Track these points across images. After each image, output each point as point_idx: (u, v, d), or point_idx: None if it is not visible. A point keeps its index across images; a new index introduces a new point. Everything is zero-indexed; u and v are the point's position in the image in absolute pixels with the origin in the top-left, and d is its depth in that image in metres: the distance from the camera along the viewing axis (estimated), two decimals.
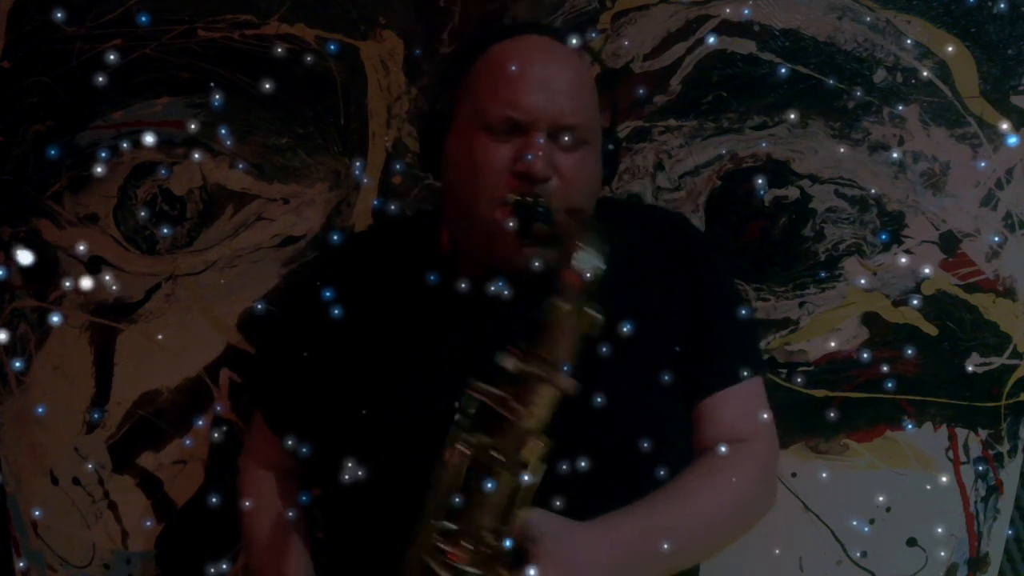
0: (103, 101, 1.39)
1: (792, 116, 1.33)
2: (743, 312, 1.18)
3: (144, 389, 1.46)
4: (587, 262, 0.94)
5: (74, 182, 1.42)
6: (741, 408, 1.12)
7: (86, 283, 1.40)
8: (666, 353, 1.10)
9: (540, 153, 1.02)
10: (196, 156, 1.38)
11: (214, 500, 1.40)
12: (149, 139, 1.35)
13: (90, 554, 1.51)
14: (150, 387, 1.46)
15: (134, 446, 1.47)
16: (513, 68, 1.05)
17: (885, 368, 1.37)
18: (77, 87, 1.38)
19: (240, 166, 1.39)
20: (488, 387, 0.94)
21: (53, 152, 1.38)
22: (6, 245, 1.45)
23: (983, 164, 1.33)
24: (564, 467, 1.00)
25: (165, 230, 1.41)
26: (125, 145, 1.39)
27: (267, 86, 1.29)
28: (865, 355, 1.36)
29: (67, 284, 1.41)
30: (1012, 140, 1.32)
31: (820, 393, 1.38)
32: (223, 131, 1.36)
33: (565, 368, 0.93)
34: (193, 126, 1.36)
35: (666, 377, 1.08)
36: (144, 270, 1.43)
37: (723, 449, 1.08)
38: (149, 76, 1.37)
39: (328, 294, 1.13)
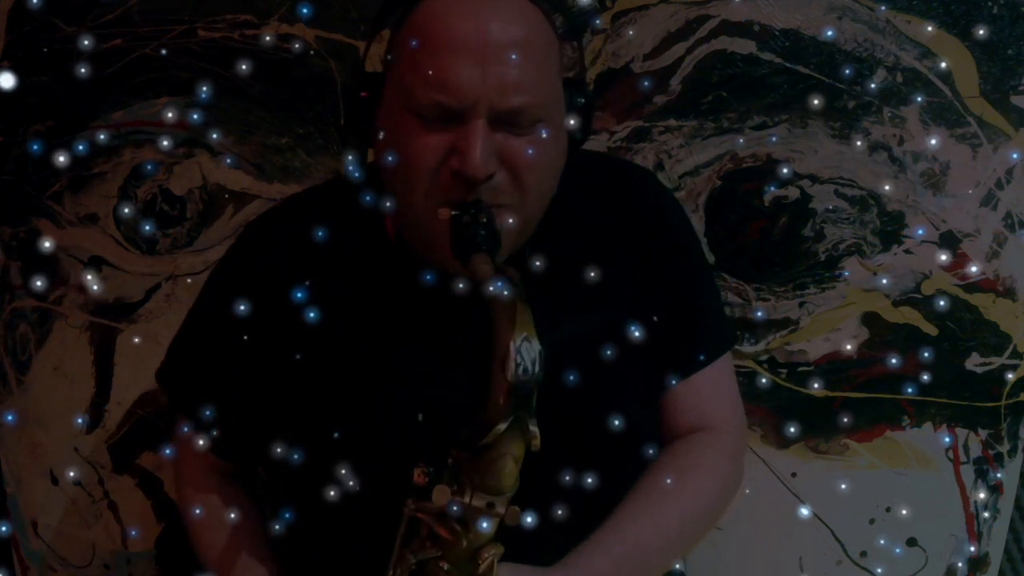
0: (103, 101, 1.39)
1: (816, 101, 1.30)
2: (713, 285, 1.12)
3: (144, 389, 1.46)
4: (527, 357, 0.78)
5: (74, 182, 1.42)
6: (711, 392, 1.06)
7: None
8: (628, 319, 0.98)
9: (478, 150, 0.85)
10: (165, 143, 1.35)
11: (198, 511, 1.37)
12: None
13: (90, 554, 1.51)
14: (150, 387, 1.46)
15: (134, 446, 1.47)
16: (441, 36, 0.86)
17: (893, 366, 1.36)
18: (77, 87, 1.38)
19: (228, 160, 1.38)
20: (425, 505, 0.83)
21: (35, 148, 1.36)
22: (6, 245, 1.45)
23: (1015, 155, 1.31)
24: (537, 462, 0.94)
25: (147, 227, 1.40)
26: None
27: (243, 67, 1.28)
28: (894, 360, 1.34)
29: (39, 284, 1.39)
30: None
31: (820, 393, 1.38)
32: (195, 116, 1.34)
33: (507, 492, 0.82)
34: (170, 114, 1.34)
35: (631, 348, 0.98)
36: (144, 270, 1.43)
37: (689, 443, 1.03)
38: (149, 76, 1.37)
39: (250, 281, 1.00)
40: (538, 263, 0.92)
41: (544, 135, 0.89)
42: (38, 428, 1.48)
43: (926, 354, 1.35)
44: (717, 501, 1.06)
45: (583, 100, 0.96)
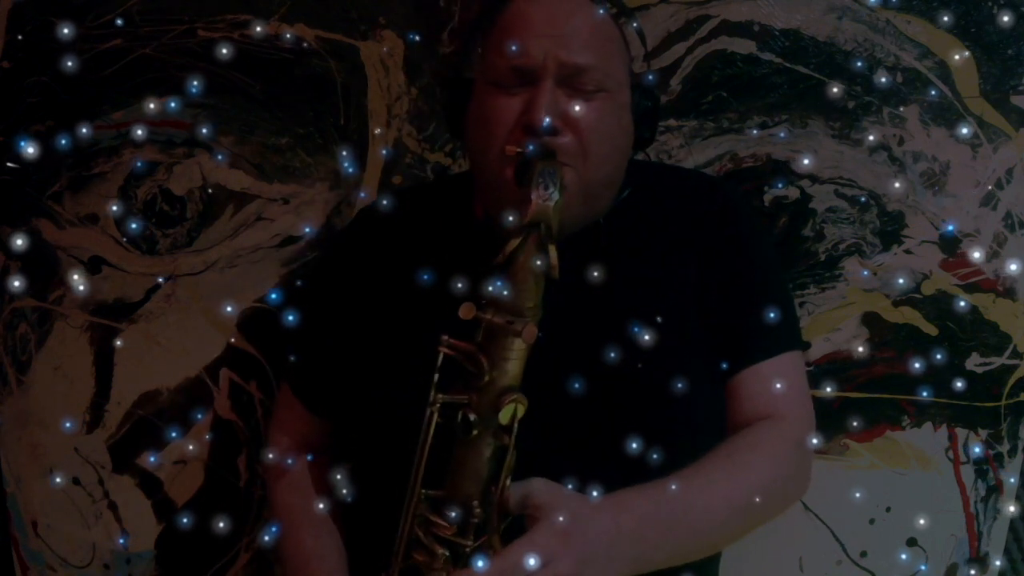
0: (103, 101, 1.39)
1: (835, 89, 1.30)
2: (781, 286, 1.13)
3: (144, 389, 1.46)
4: (547, 192, 0.88)
5: (74, 182, 1.42)
6: (775, 383, 1.06)
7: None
8: (697, 323, 1.05)
9: (545, 99, 0.96)
10: (139, 132, 1.35)
11: (185, 521, 1.41)
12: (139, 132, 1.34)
13: (90, 554, 1.51)
14: (150, 387, 1.46)
15: (134, 446, 1.47)
16: (518, 17, 1.01)
17: (895, 366, 1.36)
18: (77, 87, 1.38)
19: (219, 157, 1.38)
20: (457, 342, 0.88)
21: (22, 145, 1.34)
22: (6, 245, 1.45)
23: None
24: (589, 440, 0.98)
25: (133, 225, 1.40)
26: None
27: (224, 51, 1.29)
28: (916, 364, 1.33)
29: (16, 284, 1.39)
30: None
31: (820, 393, 1.38)
32: (172, 104, 1.34)
33: (528, 314, 0.87)
34: (152, 105, 1.34)
35: (697, 349, 1.04)
36: (144, 270, 1.43)
37: (751, 428, 1.03)
38: (149, 76, 1.37)
39: (352, 267, 1.12)
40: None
41: (607, 104, 1.00)
42: (38, 428, 1.48)
43: (938, 356, 1.35)
44: (773, 483, 1.04)
45: (650, 103, 1.07)
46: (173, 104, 1.33)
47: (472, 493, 0.89)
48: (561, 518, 0.87)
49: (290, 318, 1.19)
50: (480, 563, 0.85)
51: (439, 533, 0.89)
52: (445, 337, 0.89)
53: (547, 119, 0.96)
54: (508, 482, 0.88)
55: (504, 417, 0.87)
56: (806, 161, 1.32)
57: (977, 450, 1.39)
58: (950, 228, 1.34)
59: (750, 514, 1.02)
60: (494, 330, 0.87)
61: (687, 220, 1.10)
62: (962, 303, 1.34)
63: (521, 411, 0.87)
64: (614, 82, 1.02)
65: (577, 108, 0.99)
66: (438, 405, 0.89)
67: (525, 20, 1.01)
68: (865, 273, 1.36)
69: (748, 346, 1.07)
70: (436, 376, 0.89)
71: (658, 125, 1.11)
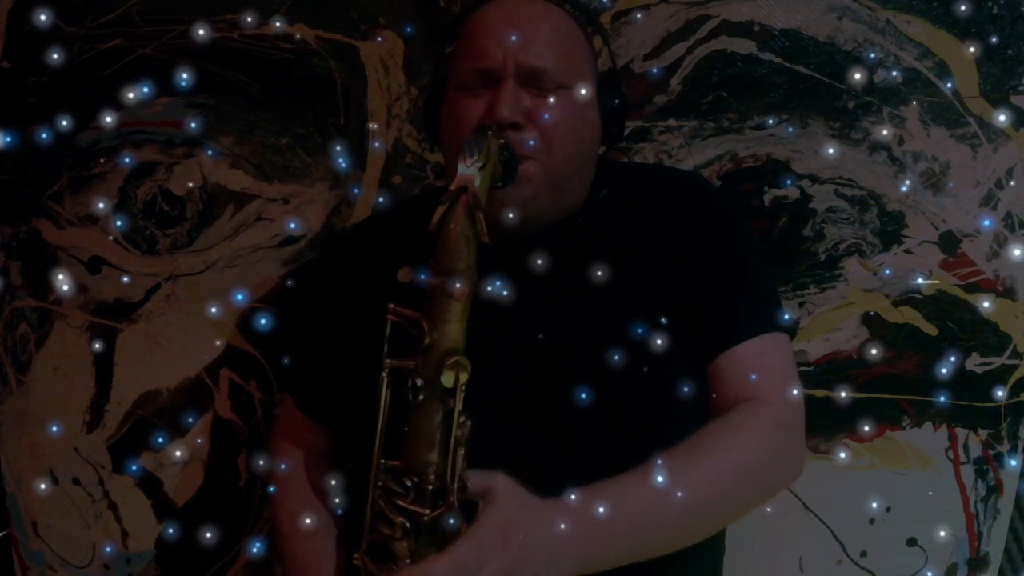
0: (103, 101, 1.39)
1: (857, 76, 1.30)
2: (759, 270, 1.13)
3: (144, 389, 1.46)
4: (472, 160, 0.92)
5: (74, 182, 1.42)
6: (757, 365, 1.05)
7: None
8: (680, 319, 1.05)
9: (503, 96, 1.00)
10: (108, 119, 1.35)
11: (171, 531, 1.43)
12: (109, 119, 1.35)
13: (90, 554, 1.51)
14: (150, 387, 1.46)
15: (134, 446, 1.47)
16: (480, 23, 1.06)
17: (893, 366, 1.36)
18: (77, 87, 1.38)
19: (210, 152, 1.38)
20: (403, 308, 0.91)
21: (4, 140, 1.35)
22: (6, 245, 1.45)
23: None
24: (570, 430, 0.98)
25: (119, 222, 1.40)
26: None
27: (201, 32, 1.30)
28: (943, 370, 1.33)
29: None
30: None
31: (820, 393, 1.38)
32: (146, 90, 1.34)
33: (462, 275, 0.89)
34: (132, 95, 1.34)
35: (680, 346, 1.03)
36: (144, 270, 1.43)
37: (732, 410, 1.02)
38: (149, 76, 1.37)
39: (343, 277, 1.13)
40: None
41: (569, 99, 1.04)
42: (38, 428, 1.48)
43: (926, 354, 1.35)
44: (756, 463, 1.01)
45: (618, 101, 1.10)
46: (146, 90, 1.34)
47: (427, 461, 0.89)
48: (501, 518, 0.87)
49: (263, 321, 1.24)
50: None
51: (398, 503, 0.89)
52: (392, 305, 0.91)
53: (507, 113, 0.99)
54: (461, 452, 0.89)
55: (447, 381, 0.87)
56: (831, 151, 1.32)
57: (1013, 463, 1.39)
58: (986, 223, 1.34)
59: (734, 495, 1.01)
60: (432, 293, 0.90)
61: (668, 218, 1.11)
62: (986, 304, 1.34)
63: (464, 376, 0.88)
64: (575, 76, 1.05)
65: (539, 105, 1.02)
66: (387, 371, 0.91)
67: (487, 25, 1.05)
68: (888, 272, 1.36)
69: (726, 329, 1.06)
70: (386, 344, 0.91)
71: (626, 121, 1.14)
